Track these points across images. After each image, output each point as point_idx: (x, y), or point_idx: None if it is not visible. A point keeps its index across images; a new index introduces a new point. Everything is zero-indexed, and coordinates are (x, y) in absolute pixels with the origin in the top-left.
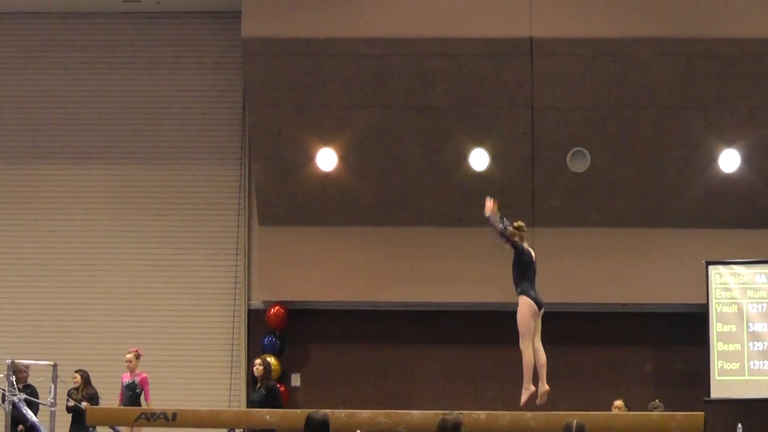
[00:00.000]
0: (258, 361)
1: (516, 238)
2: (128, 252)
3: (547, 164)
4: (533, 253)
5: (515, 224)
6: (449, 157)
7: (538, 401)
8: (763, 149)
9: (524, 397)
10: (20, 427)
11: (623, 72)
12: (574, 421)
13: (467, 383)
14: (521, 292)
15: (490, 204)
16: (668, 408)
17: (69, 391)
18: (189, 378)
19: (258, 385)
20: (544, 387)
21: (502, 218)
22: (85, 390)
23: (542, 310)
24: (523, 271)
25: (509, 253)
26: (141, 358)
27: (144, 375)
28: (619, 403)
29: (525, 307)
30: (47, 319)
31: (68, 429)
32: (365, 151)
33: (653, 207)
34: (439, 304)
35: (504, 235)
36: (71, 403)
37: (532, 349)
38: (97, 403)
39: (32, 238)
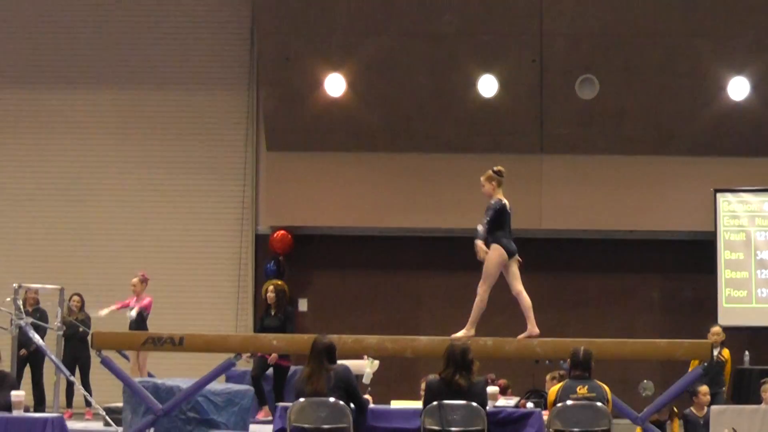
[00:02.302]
0: (270, 287)
1: (494, 183)
2: (136, 178)
3: (555, 91)
4: (508, 204)
5: (495, 168)
6: (457, 83)
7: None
8: None
9: (463, 333)
10: (22, 351)
11: None
12: (582, 348)
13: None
14: (494, 240)
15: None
16: (676, 335)
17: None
18: (196, 303)
19: (274, 312)
20: (534, 330)
21: (483, 228)
22: (81, 313)
23: (515, 257)
24: (499, 223)
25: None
26: (148, 282)
27: (148, 300)
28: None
29: (495, 254)
30: (54, 244)
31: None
32: (373, 77)
33: (662, 134)
34: (445, 230)
35: (489, 223)
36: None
37: (487, 295)
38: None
39: (39, 163)
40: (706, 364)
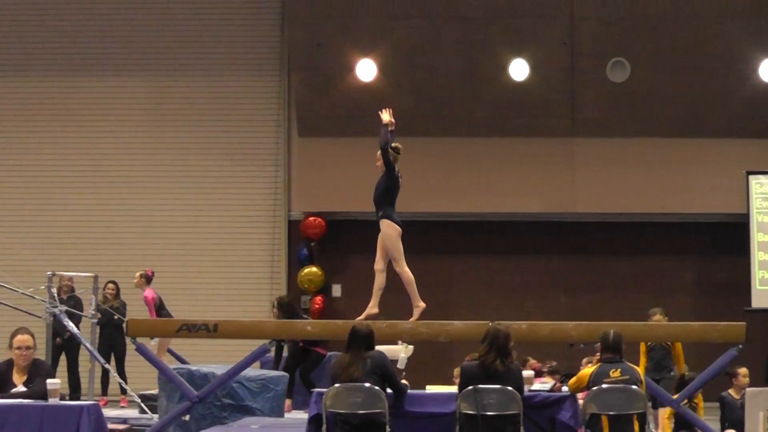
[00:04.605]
0: (275, 304)
1: (390, 158)
2: (169, 165)
3: (586, 74)
4: (400, 178)
5: (393, 144)
6: (489, 67)
7: (412, 318)
8: None
9: (416, 315)
10: (57, 339)
11: None
12: (611, 331)
13: (506, 293)
14: (383, 216)
15: (387, 115)
16: (709, 318)
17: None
18: (230, 289)
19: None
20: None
21: (392, 133)
22: (116, 301)
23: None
24: (389, 195)
25: (550, 162)
26: (150, 279)
27: (145, 294)
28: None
29: (391, 229)
30: (88, 231)
31: (98, 339)
32: (405, 62)
33: (693, 117)
34: (478, 214)
35: (385, 149)
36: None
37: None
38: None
39: (73, 151)
40: (740, 346)
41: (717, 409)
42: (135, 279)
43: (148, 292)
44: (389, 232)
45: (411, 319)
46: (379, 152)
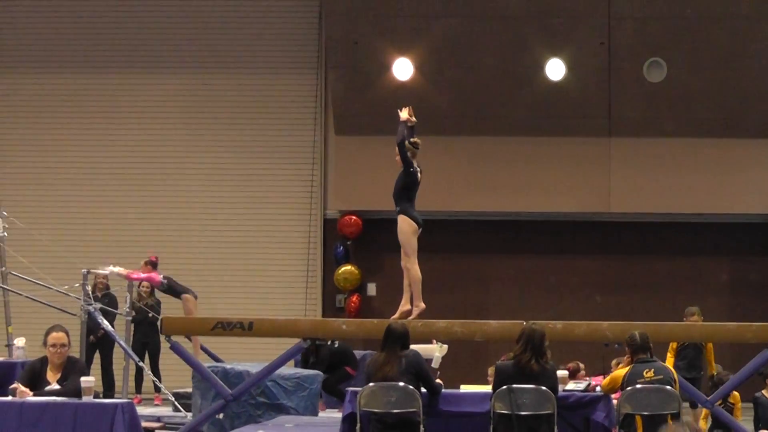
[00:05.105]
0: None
1: (409, 154)
2: (205, 162)
3: (623, 74)
4: (419, 173)
5: (412, 140)
6: (525, 66)
7: (411, 317)
8: None
9: (414, 314)
10: (91, 337)
11: None
12: (636, 332)
13: (542, 293)
14: (401, 211)
15: (406, 113)
16: (744, 318)
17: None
18: (265, 287)
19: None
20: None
21: (412, 129)
22: (151, 299)
23: (420, 229)
24: (407, 190)
25: (586, 162)
26: (155, 265)
27: (146, 275)
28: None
29: (406, 225)
30: (123, 229)
31: (132, 337)
32: (441, 60)
33: (730, 117)
34: (514, 214)
35: (402, 145)
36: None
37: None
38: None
39: (108, 148)
40: None
41: (751, 409)
42: (140, 268)
43: (154, 276)
44: (404, 226)
45: (409, 318)
46: (396, 148)
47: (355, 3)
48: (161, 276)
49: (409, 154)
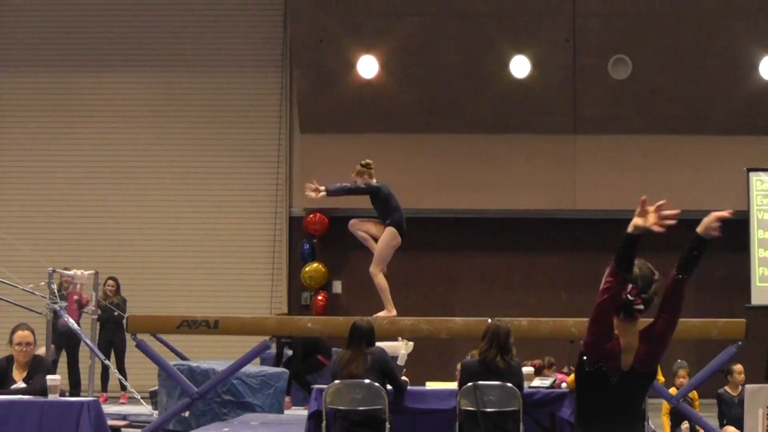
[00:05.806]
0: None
1: (365, 177)
2: (170, 160)
3: (588, 71)
4: (387, 184)
5: (363, 162)
6: (490, 64)
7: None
8: None
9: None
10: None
11: None
12: None
13: (508, 290)
14: (390, 223)
15: (311, 190)
16: (709, 315)
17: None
18: (230, 285)
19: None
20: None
21: (335, 186)
22: (117, 297)
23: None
24: (388, 204)
25: (551, 159)
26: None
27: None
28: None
29: (390, 238)
30: (88, 227)
31: (99, 336)
32: (406, 58)
33: (694, 114)
34: (479, 211)
35: (350, 191)
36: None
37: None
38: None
39: (73, 147)
40: (740, 343)
41: (714, 406)
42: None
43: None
44: (387, 239)
45: (375, 316)
46: (354, 174)
47: (320, 1)
48: None
49: (366, 176)
